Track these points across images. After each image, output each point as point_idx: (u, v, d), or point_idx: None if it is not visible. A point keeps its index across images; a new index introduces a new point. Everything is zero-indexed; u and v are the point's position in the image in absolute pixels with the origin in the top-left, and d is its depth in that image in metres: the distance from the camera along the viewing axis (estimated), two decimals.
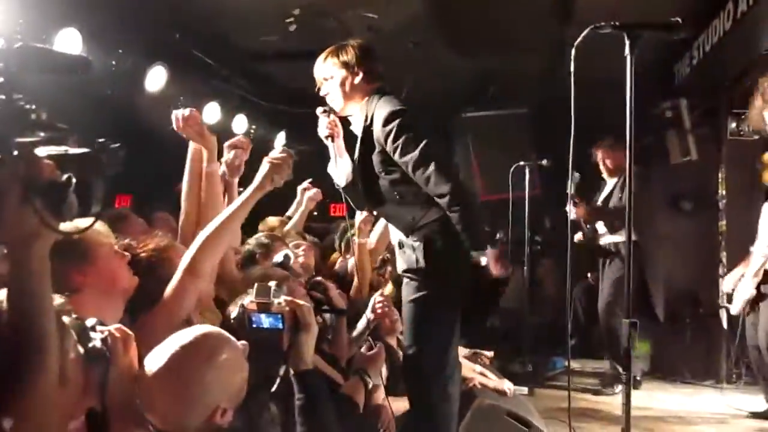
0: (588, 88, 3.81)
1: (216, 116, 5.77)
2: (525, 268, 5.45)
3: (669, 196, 5.59)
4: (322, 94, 2.75)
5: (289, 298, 1.86)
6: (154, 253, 2.03)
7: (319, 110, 2.75)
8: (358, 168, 2.70)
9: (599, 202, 5.31)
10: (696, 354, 4.66)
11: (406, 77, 6.53)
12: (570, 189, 5.43)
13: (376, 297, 3.08)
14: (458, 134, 6.79)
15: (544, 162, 5.40)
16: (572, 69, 2.06)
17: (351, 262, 3.87)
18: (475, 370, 3.81)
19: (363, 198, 2.77)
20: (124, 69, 4.36)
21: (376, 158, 2.63)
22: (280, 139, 6.83)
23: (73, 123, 1.19)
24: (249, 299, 1.84)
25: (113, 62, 4.26)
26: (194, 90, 5.51)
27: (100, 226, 1.80)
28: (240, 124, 6.22)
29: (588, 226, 5.28)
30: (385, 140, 2.54)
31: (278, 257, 2.96)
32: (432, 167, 2.45)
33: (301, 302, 1.86)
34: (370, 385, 2.42)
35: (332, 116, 2.76)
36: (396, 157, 2.53)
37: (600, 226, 5.22)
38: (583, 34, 1.99)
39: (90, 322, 1.38)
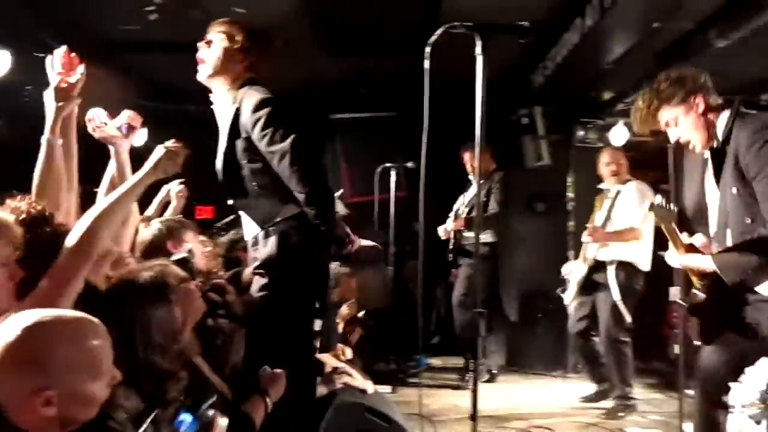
0: (457, 92, 3.98)
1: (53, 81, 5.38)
2: (390, 268, 5.54)
3: (525, 198, 5.93)
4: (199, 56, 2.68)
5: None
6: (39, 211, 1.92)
7: None
8: (223, 156, 2.62)
9: (465, 205, 5.51)
10: (546, 347, 4.96)
11: (277, 77, 6.46)
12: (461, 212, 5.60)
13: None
14: (327, 135, 6.80)
15: (410, 164, 5.53)
16: (427, 66, 2.10)
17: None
18: (338, 368, 3.81)
19: (224, 188, 2.69)
20: None
21: (240, 145, 2.56)
22: (141, 135, 6.48)
23: None
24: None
25: None
26: (44, 79, 5.12)
27: None
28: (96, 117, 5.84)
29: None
30: (253, 127, 2.48)
31: (181, 252, 2.75)
32: (298, 163, 2.43)
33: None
34: (270, 408, 2.38)
35: None
36: (262, 146, 2.48)
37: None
38: (436, 33, 2.04)
39: None
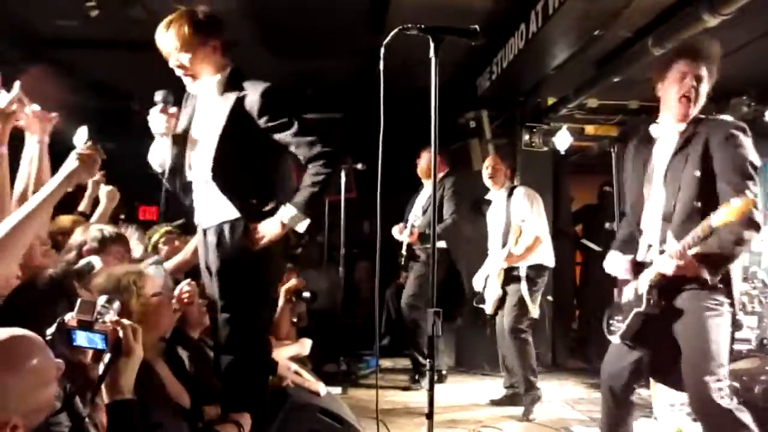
0: (405, 95, 4.01)
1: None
2: (341, 269, 5.53)
3: (472, 200, 6.00)
4: (173, 65, 2.58)
5: (115, 318, 1.67)
6: None
7: (157, 107, 2.62)
8: (221, 147, 2.57)
9: (421, 213, 5.52)
10: (494, 348, 5.03)
11: None
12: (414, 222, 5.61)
13: (183, 286, 2.86)
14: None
15: (359, 166, 5.53)
16: (381, 67, 2.11)
17: None
18: (290, 368, 3.77)
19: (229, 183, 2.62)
20: None
21: (241, 134, 2.56)
22: (81, 134, 6.28)
23: None
24: (70, 315, 1.63)
25: None
26: None
27: None
28: None
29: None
30: (264, 114, 2.53)
31: (82, 261, 2.66)
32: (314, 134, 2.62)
33: (127, 323, 1.67)
34: None
35: (173, 109, 2.64)
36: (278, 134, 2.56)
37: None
38: (391, 35, 2.05)
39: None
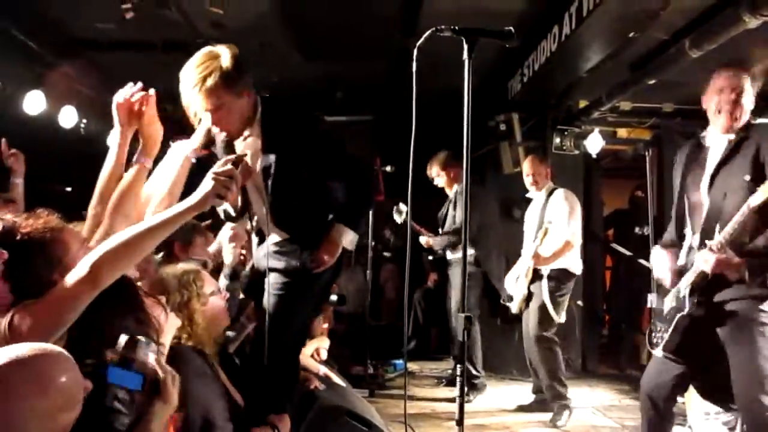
0: (436, 97, 3.99)
1: (40, 106, 5.28)
2: (368, 272, 5.53)
3: (502, 204, 5.95)
4: (209, 125, 2.43)
5: (153, 362, 1.51)
6: (46, 231, 1.64)
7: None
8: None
9: (441, 217, 5.50)
10: (522, 352, 4.97)
11: (252, 79, 6.41)
12: (398, 219, 5.64)
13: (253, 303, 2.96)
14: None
15: (388, 168, 5.52)
16: (414, 69, 2.10)
17: None
18: (318, 371, 3.79)
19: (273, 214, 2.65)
20: None
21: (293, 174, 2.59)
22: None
23: None
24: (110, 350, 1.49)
25: None
26: (14, 75, 5.01)
27: None
28: (68, 116, 5.73)
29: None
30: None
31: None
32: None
33: (168, 369, 1.53)
34: None
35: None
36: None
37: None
38: (425, 36, 2.04)
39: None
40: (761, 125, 2.63)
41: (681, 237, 2.78)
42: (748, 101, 2.62)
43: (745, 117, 2.62)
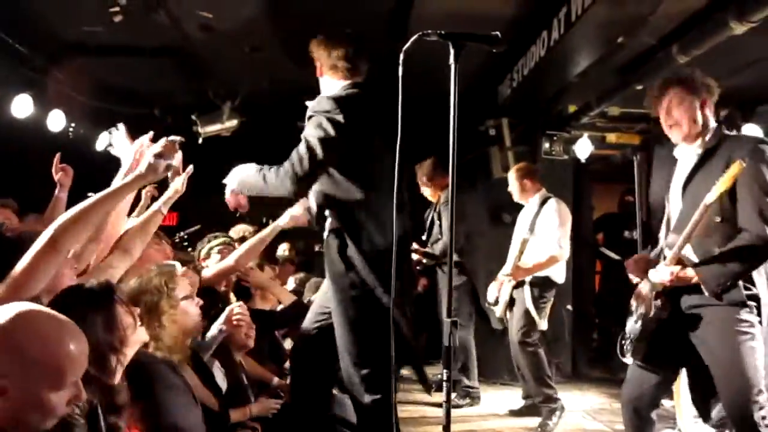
0: (426, 103, 3.99)
1: (28, 110, 5.25)
2: None
3: (492, 209, 5.95)
4: None
5: None
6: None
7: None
8: None
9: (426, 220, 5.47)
10: (510, 356, 4.97)
11: (242, 83, 6.38)
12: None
13: (235, 307, 2.91)
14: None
15: None
16: (400, 73, 2.09)
17: None
18: None
19: None
20: None
21: None
22: (103, 140, 6.36)
23: None
24: None
25: None
26: (1, 79, 4.98)
27: None
28: (56, 120, 5.71)
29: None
30: None
31: None
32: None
33: None
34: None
35: None
36: None
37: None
38: (411, 40, 2.04)
39: None
40: (733, 137, 2.62)
41: (656, 242, 2.80)
42: (700, 116, 2.61)
43: (696, 124, 2.60)
